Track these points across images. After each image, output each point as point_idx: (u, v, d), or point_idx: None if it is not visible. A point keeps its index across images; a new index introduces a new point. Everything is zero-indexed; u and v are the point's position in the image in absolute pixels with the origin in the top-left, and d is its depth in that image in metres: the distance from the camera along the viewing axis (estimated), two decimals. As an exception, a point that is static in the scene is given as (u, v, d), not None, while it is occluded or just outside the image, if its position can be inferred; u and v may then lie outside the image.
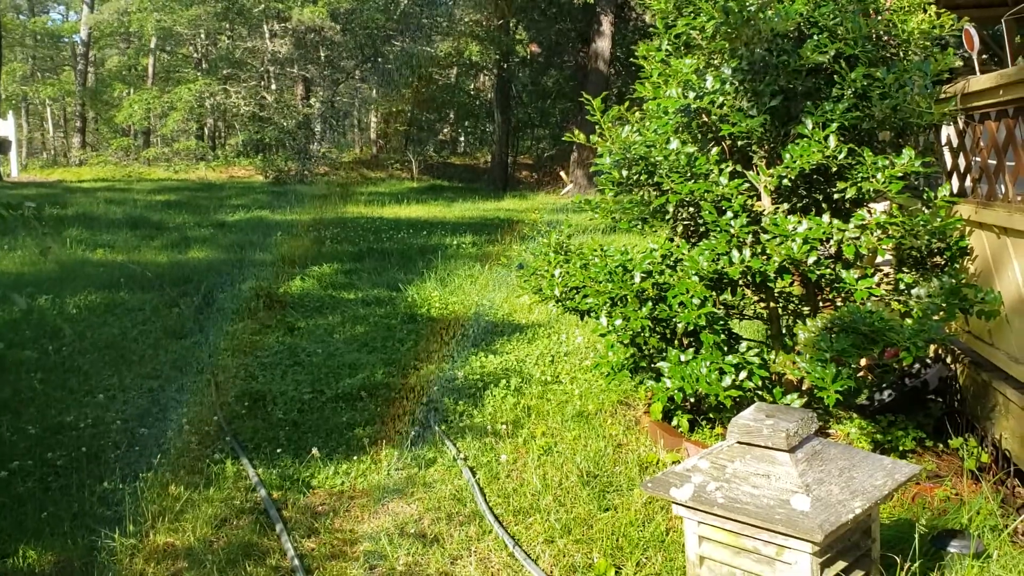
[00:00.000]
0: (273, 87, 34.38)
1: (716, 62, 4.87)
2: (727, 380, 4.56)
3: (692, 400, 5.05)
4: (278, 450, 5.10)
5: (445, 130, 41.02)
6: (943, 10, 4.67)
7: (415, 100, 35.68)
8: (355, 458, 4.94)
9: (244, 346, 7.51)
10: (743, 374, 4.61)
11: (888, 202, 4.62)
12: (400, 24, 32.06)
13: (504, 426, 5.37)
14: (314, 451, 4.97)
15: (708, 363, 4.65)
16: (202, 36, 37.62)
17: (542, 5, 32.21)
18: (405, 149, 35.67)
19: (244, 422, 5.69)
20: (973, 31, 4.88)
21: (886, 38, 4.68)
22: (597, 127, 5.17)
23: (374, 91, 37.94)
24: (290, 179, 28.34)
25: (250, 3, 29.20)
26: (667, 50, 5.06)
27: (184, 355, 7.25)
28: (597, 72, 26.43)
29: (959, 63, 5.07)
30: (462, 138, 44.64)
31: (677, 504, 2.97)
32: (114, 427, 5.52)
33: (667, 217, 5.25)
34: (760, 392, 4.74)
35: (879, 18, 4.68)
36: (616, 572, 3.57)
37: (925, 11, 4.69)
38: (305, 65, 33.49)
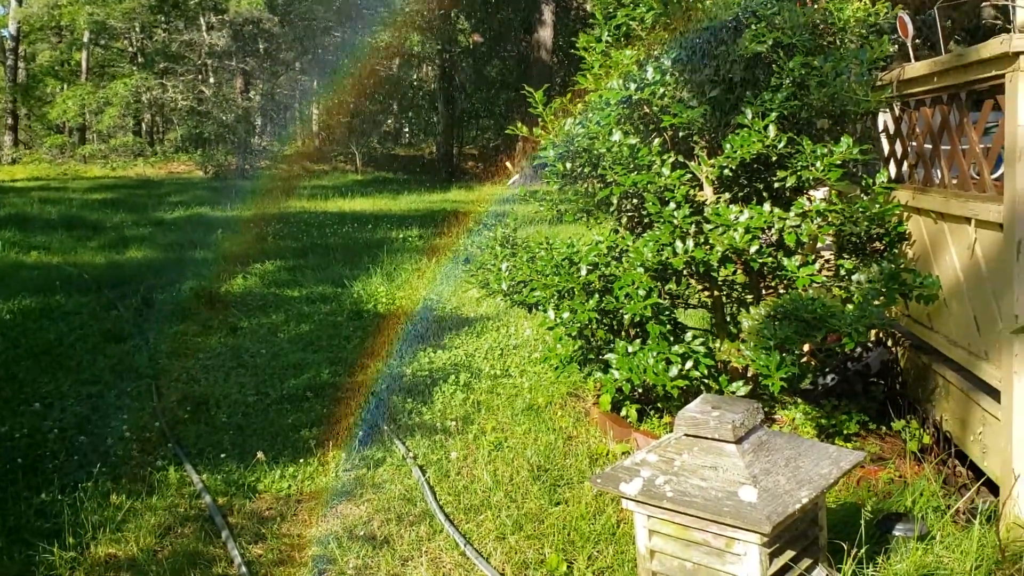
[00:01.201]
0: (211, 80, 33.75)
1: (656, 53, 4.87)
2: (674, 370, 4.58)
3: (640, 390, 5.06)
4: (222, 455, 5.00)
5: (389, 121, 40.69)
6: (877, -1, 4.73)
7: (357, 91, 35.29)
8: (302, 461, 4.86)
9: (185, 348, 7.36)
10: (689, 363, 4.63)
11: (828, 188, 4.68)
12: (339, 15, 31.65)
13: (454, 422, 5.34)
14: (259, 455, 4.88)
15: (655, 354, 4.65)
16: (137, 29, 36.67)
17: (483, -6, 32.10)
18: (348, 141, 35.28)
19: (187, 427, 5.56)
20: (907, 18, 4.94)
21: (823, 27, 4.72)
22: (540, 119, 5.14)
23: (315, 83, 37.48)
24: (231, 174, 27.87)
25: (185, -6, 28.58)
26: (607, 41, 5.04)
27: (123, 359, 7.07)
28: (540, 62, 26.46)
29: (895, 48, 5.14)
30: (406, 129, 44.33)
31: (627, 499, 2.96)
32: (51, 436, 5.35)
33: (612, 209, 5.25)
34: (707, 381, 4.77)
35: (816, 7, 4.72)
36: (568, 566, 3.56)
37: None
38: (244, 58, 32.92)
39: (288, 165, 32.28)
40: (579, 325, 4.83)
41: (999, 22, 8.28)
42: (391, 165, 34.65)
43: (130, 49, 39.32)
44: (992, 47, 3.56)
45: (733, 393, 4.72)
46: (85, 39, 37.41)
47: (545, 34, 26.60)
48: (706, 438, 2.96)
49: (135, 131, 39.06)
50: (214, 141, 28.63)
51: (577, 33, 5.32)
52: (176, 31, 35.03)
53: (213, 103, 30.80)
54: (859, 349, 5.27)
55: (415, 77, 39.71)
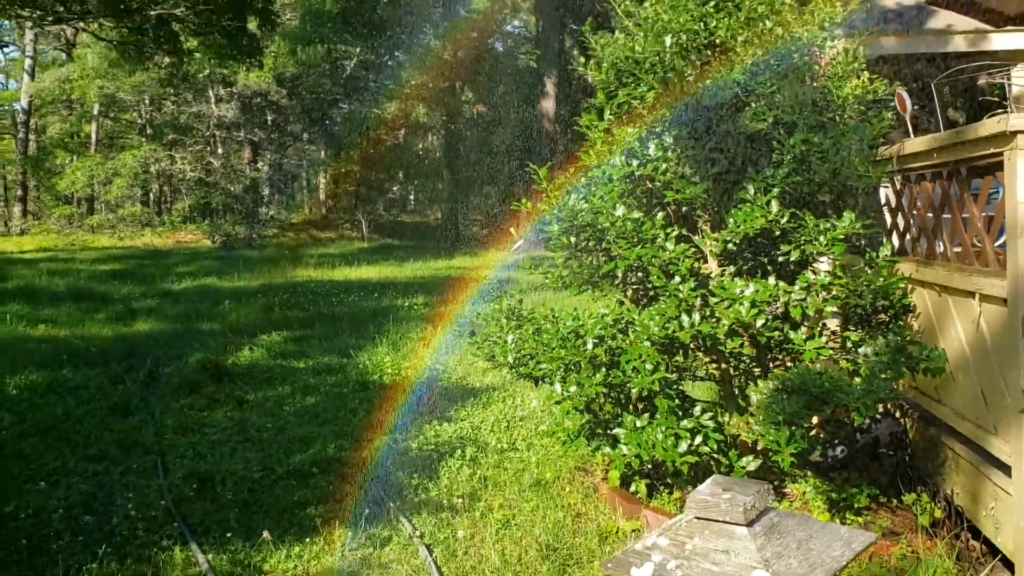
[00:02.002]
0: (220, 151, 34.25)
1: (658, 129, 4.96)
2: (683, 446, 4.55)
3: (650, 465, 5.03)
4: (228, 533, 4.94)
5: (395, 189, 41.15)
6: (875, 76, 4.82)
7: (363, 160, 35.78)
8: (307, 539, 4.80)
9: (192, 422, 7.32)
10: (698, 438, 4.60)
11: (832, 259, 4.71)
12: (347, 88, 32.26)
13: (460, 499, 5.29)
14: (265, 534, 4.83)
15: (663, 428, 4.64)
16: (146, 102, 37.39)
17: (487, 67, 32.70)
18: (355, 209, 35.64)
19: (193, 504, 5.51)
20: (905, 94, 5.04)
21: (822, 103, 4.80)
22: (544, 193, 5.21)
23: (322, 152, 37.99)
24: (238, 243, 28.10)
25: (195, 68, 29.17)
26: (609, 119, 5.13)
27: (130, 434, 7.03)
28: (544, 131, 26.82)
29: (892, 121, 5.22)
30: (412, 196, 44.81)
31: (637, 583, 2.92)
32: (56, 516, 5.30)
33: (617, 281, 5.29)
34: (716, 456, 4.73)
35: (815, 85, 4.81)
36: (579, 652, 3.50)
37: (859, 77, 4.84)
38: (252, 129, 33.46)
39: (295, 233, 32.57)
40: (586, 399, 4.82)
41: (996, 99, 8.43)
42: (397, 232, 34.94)
43: (139, 121, 40.02)
44: (990, 126, 3.63)
45: (743, 468, 4.69)
46: (95, 111, 38.10)
47: (548, 105, 27.04)
48: (717, 521, 2.93)
49: (143, 201, 39.51)
50: (222, 211, 28.95)
51: (579, 103, 5.42)
52: (185, 103, 35.69)
53: (221, 173, 31.23)
54: (868, 420, 5.24)
55: (421, 146, 40.30)
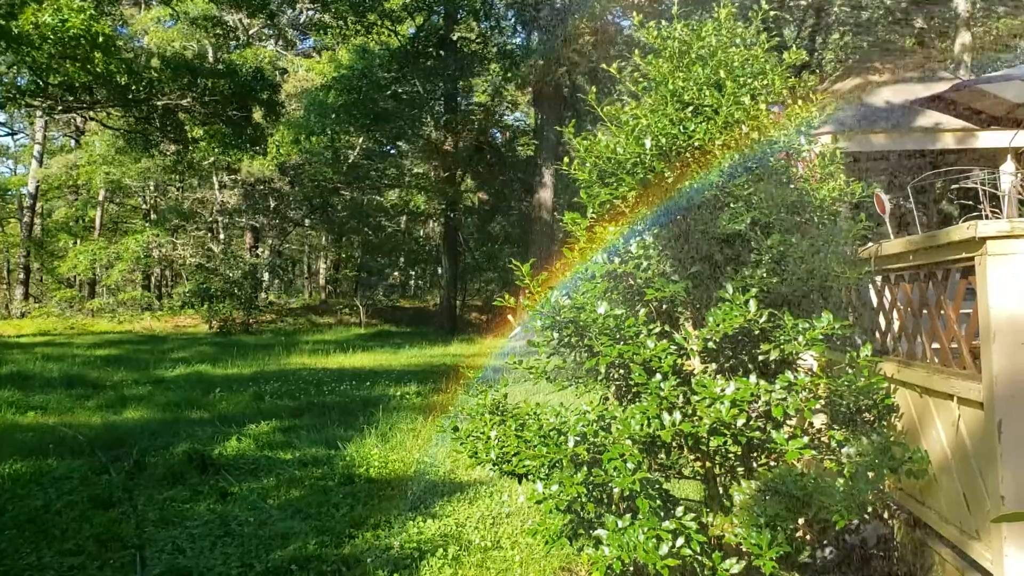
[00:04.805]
0: (221, 236, 34.62)
1: (639, 228, 5.02)
2: (664, 548, 4.46)
3: (632, 568, 4.92)
4: (200, 636, 4.82)
5: (395, 274, 41.47)
6: (852, 178, 4.90)
7: (364, 246, 36.17)
8: (281, 643, 4.68)
9: (173, 515, 7.21)
10: (680, 540, 4.51)
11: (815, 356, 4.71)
12: (348, 176, 32.79)
13: (440, 601, 5.17)
14: (237, 637, 4.70)
15: (645, 529, 4.55)
16: (151, 188, 37.99)
17: (487, 157, 33.32)
18: (354, 294, 35.83)
19: (166, 603, 5.39)
20: (884, 196, 5.13)
21: (799, 205, 4.87)
22: (527, 291, 5.24)
23: (323, 238, 38.39)
24: (236, 328, 28.14)
25: (200, 156, 29.71)
26: (592, 217, 5.20)
27: (110, 528, 6.91)
28: (541, 220, 27.16)
29: (869, 223, 5.28)
30: (412, 281, 45.10)
31: None
32: (25, 614, 5.19)
33: (600, 377, 5.27)
34: (699, 558, 4.64)
35: (792, 187, 4.88)
36: None
37: (835, 179, 4.93)
38: (254, 215, 33.89)
39: (293, 319, 32.69)
40: (568, 499, 4.75)
41: (991, 190, 8.57)
42: (395, 317, 35.02)
43: (143, 206, 40.59)
44: (961, 231, 3.68)
45: (727, 571, 4.58)
46: (100, 197, 38.66)
47: (546, 195, 27.46)
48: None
49: (144, 285, 39.75)
50: (221, 296, 29.11)
51: (576, 194, 5.50)
52: (189, 188, 36.24)
53: (221, 259, 31.49)
54: (856, 522, 5.15)
55: (421, 232, 40.77)
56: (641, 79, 5.30)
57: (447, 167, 32.10)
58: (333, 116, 28.89)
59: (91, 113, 26.36)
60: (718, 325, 4.52)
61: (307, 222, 37.70)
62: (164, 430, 10.78)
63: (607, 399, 5.28)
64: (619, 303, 5.05)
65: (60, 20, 16.11)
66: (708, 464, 5.12)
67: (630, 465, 4.55)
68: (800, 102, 5.00)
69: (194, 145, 26.21)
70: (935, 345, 4.46)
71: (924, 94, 9.78)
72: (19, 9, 16.27)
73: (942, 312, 4.33)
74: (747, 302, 4.45)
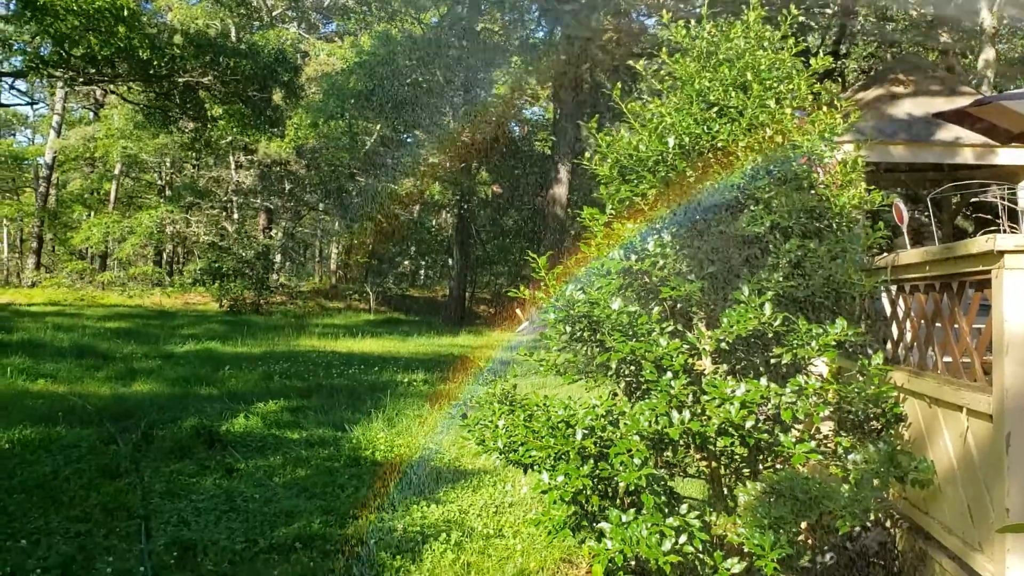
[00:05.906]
0: (235, 216, 34.72)
1: (658, 226, 5.04)
2: (667, 544, 4.49)
3: (634, 562, 4.96)
4: (203, 606, 4.88)
5: (406, 263, 41.52)
6: (872, 187, 4.92)
7: (376, 233, 36.19)
8: (283, 618, 4.74)
9: (180, 488, 7.28)
10: (683, 537, 4.55)
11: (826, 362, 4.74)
12: (364, 162, 32.84)
13: (441, 585, 5.22)
14: (241, 609, 4.77)
15: (649, 525, 4.59)
16: (167, 164, 38.13)
17: (504, 150, 33.31)
18: (365, 281, 35.90)
19: (172, 573, 5.45)
20: (902, 205, 5.13)
21: (819, 211, 4.89)
22: (542, 284, 5.27)
23: (336, 223, 38.46)
24: (246, 308, 28.24)
25: (218, 135, 29.81)
26: (611, 213, 5.23)
27: (117, 497, 6.99)
28: (555, 216, 27.17)
29: (887, 232, 5.30)
30: (422, 271, 45.15)
31: None
32: (33, 576, 5.26)
33: (610, 372, 5.30)
34: (701, 556, 4.68)
35: (813, 192, 4.90)
36: None
37: (856, 187, 4.94)
38: (268, 196, 33.99)
39: (303, 301, 32.77)
40: (573, 491, 4.79)
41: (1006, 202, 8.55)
42: (404, 305, 35.10)
43: (159, 182, 40.74)
44: (979, 244, 3.70)
45: (728, 570, 4.62)
46: (117, 170, 38.79)
47: (560, 191, 27.47)
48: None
49: (156, 261, 39.90)
50: (232, 275, 29.23)
51: (591, 191, 5.53)
52: (205, 167, 36.34)
53: (234, 238, 31.59)
54: (858, 528, 5.18)
55: (434, 222, 40.78)
56: (667, 77, 5.32)
57: (463, 158, 32.14)
58: (352, 101, 28.94)
59: (112, 86, 26.50)
60: (732, 326, 4.54)
61: (321, 206, 37.80)
62: (173, 404, 10.87)
63: (616, 395, 5.32)
64: (633, 300, 5.08)
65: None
66: (714, 464, 5.16)
67: (637, 460, 4.59)
68: (824, 108, 5.02)
69: (213, 123, 26.34)
70: (947, 357, 4.48)
71: (946, 107, 9.75)
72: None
73: (955, 324, 4.35)
74: (762, 305, 4.47)
